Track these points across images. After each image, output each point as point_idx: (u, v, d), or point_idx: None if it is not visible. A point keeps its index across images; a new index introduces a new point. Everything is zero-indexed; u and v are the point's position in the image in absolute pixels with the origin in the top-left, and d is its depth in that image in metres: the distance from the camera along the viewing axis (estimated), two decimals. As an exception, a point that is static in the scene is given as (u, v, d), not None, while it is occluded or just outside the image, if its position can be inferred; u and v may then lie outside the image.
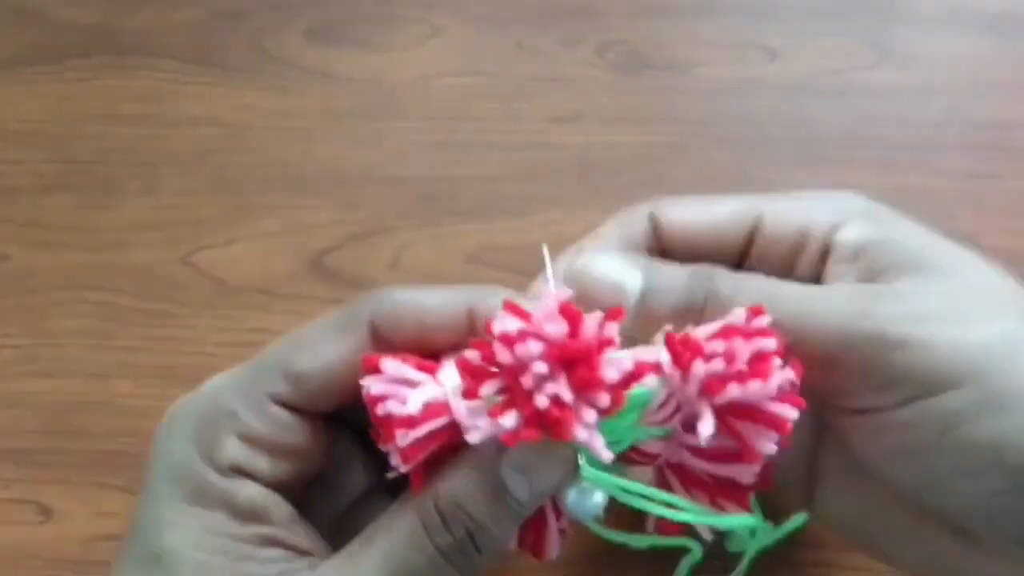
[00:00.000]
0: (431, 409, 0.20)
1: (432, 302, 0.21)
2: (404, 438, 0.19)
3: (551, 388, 0.18)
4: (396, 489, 0.22)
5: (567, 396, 0.18)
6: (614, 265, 0.22)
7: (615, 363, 0.19)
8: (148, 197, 0.40)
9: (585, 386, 0.18)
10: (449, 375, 0.20)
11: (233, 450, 0.21)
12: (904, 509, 0.22)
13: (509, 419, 0.18)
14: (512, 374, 0.19)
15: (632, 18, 0.42)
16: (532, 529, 0.22)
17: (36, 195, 0.40)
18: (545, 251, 0.22)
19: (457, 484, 0.20)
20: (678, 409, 0.20)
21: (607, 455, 0.19)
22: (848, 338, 0.20)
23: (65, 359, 0.37)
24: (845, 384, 0.21)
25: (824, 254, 0.23)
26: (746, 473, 0.21)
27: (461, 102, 0.41)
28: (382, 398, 0.20)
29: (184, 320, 0.37)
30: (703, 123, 0.40)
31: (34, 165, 0.41)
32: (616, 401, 0.19)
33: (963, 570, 0.22)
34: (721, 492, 0.21)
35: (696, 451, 0.21)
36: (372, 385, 0.20)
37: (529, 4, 0.42)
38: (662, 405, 0.20)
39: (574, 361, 0.18)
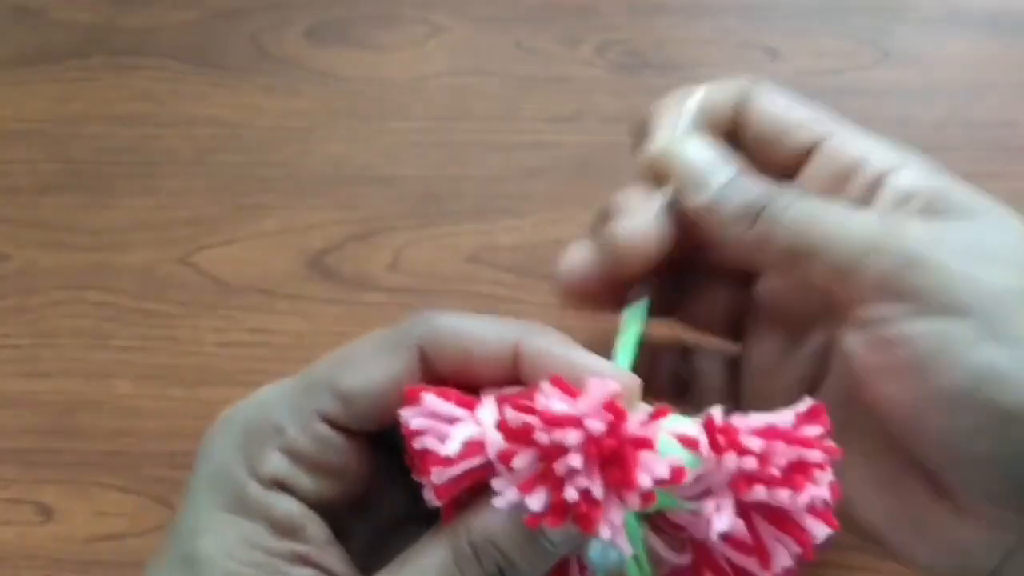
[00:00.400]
0: (468, 448, 0.20)
1: (480, 333, 0.21)
2: (440, 476, 0.19)
3: (583, 482, 0.18)
4: (432, 516, 0.22)
5: (598, 492, 0.18)
6: (706, 155, 0.24)
7: (652, 465, 0.18)
8: (147, 197, 0.40)
9: (618, 485, 0.18)
10: (488, 412, 0.20)
11: (276, 464, 0.21)
12: (887, 456, 0.23)
13: (536, 501, 0.18)
14: (548, 456, 0.18)
15: (632, 18, 0.42)
16: None
17: (35, 195, 0.40)
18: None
19: (492, 520, 0.20)
20: (708, 491, 0.20)
21: (629, 551, 0.19)
22: (874, 248, 0.21)
23: (64, 359, 0.37)
24: (861, 292, 0.22)
25: (874, 189, 0.24)
26: (763, 573, 0.21)
27: (461, 102, 0.41)
28: (420, 432, 0.20)
29: (183, 320, 0.37)
30: (703, 123, 0.40)
31: (33, 165, 0.41)
32: (647, 499, 0.18)
33: (932, 528, 0.22)
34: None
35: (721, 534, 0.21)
36: (412, 419, 0.20)
37: (529, 4, 0.42)
38: (693, 482, 0.20)
39: (610, 460, 0.18)
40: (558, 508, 0.18)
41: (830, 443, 0.20)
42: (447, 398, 0.20)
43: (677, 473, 0.18)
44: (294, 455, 0.21)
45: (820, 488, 0.19)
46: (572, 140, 0.40)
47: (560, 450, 0.18)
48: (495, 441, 0.19)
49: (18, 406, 0.36)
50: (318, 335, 0.37)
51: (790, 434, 0.19)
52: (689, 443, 0.19)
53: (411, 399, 0.20)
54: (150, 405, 0.36)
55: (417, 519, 0.24)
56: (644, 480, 0.18)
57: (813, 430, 0.20)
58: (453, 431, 0.20)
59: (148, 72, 0.42)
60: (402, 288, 0.38)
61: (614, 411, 0.18)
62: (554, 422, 0.18)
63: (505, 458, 0.19)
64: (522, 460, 0.19)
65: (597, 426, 0.18)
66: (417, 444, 0.20)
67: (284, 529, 0.21)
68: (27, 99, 0.42)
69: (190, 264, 0.38)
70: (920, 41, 0.41)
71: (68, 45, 0.42)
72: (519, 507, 0.19)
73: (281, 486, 0.21)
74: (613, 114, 0.40)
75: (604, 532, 0.18)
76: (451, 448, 0.19)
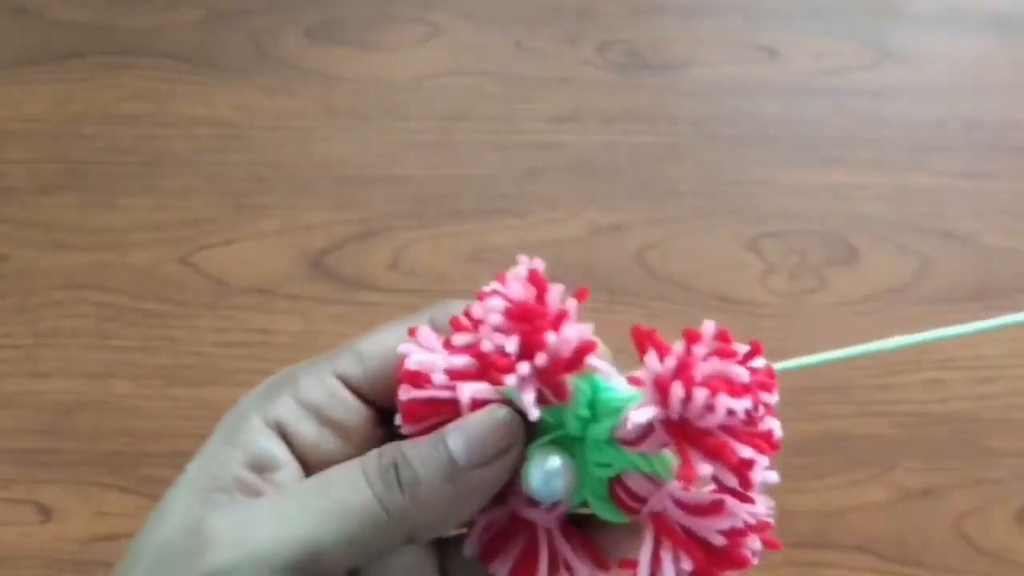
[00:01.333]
0: (450, 378, 0.21)
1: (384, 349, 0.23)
2: (407, 393, 0.21)
3: (499, 338, 0.20)
4: None
5: (510, 347, 0.20)
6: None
7: (567, 331, 0.20)
8: (147, 197, 0.40)
9: (529, 342, 0.20)
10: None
11: (285, 406, 0.22)
12: None
13: (461, 359, 0.21)
14: (476, 325, 0.21)
15: (632, 18, 0.42)
16: (524, 561, 0.22)
17: (35, 195, 0.40)
18: None
19: (403, 444, 0.22)
20: (652, 430, 0.20)
21: (535, 413, 0.20)
22: None
23: (64, 359, 0.37)
24: None
25: None
26: (715, 532, 0.21)
27: (461, 102, 0.41)
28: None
29: (183, 320, 0.37)
30: (702, 122, 0.40)
31: (34, 165, 0.41)
32: (556, 367, 0.20)
33: None
34: (699, 553, 0.21)
35: (679, 502, 0.21)
36: (411, 351, 0.22)
37: (529, 4, 0.42)
38: (640, 427, 0.20)
39: (526, 319, 0.20)
40: (478, 360, 0.20)
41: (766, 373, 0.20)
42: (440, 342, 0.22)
43: (586, 345, 0.19)
44: (303, 403, 0.22)
45: (744, 402, 0.19)
46: (572, 140, 0.40)
47: (487, 317, 0.20)
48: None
49: (18, 406, 0.36)
50: (318, 335, 0.37)
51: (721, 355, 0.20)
52: (633, 381, 0.20)
53: (410, 335, 0.22)
54: (150, 405, 0.36)
55: None
56: (552, 339, 0.19)
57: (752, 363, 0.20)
58: (435, 359, 0.21)
59: (148, 72, 0.42)
60: (402, 288, 0.38)
61: (536, 281, 0.20)
62: (486, 295, 0.20)
63: (447, 343, 0.21)
64: (460, 338, 0.21)
65: (516, 290, 0.20)
66: (408, 364, 0.21)
67: (258, 466, 0.22)
68: (27, 99, 0.41)
69: (190, 264, 0.38)
70: (920, 42, 0.41)
71: (68, 45, 0.42)
72: (449, 368, 0.21)
73: (282, 430, 0.22)
74: (613, 114, 0.40)
75: (509, 380, 0.19)
76: (437, 375, 0.21)
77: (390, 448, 0.21)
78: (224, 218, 0.39)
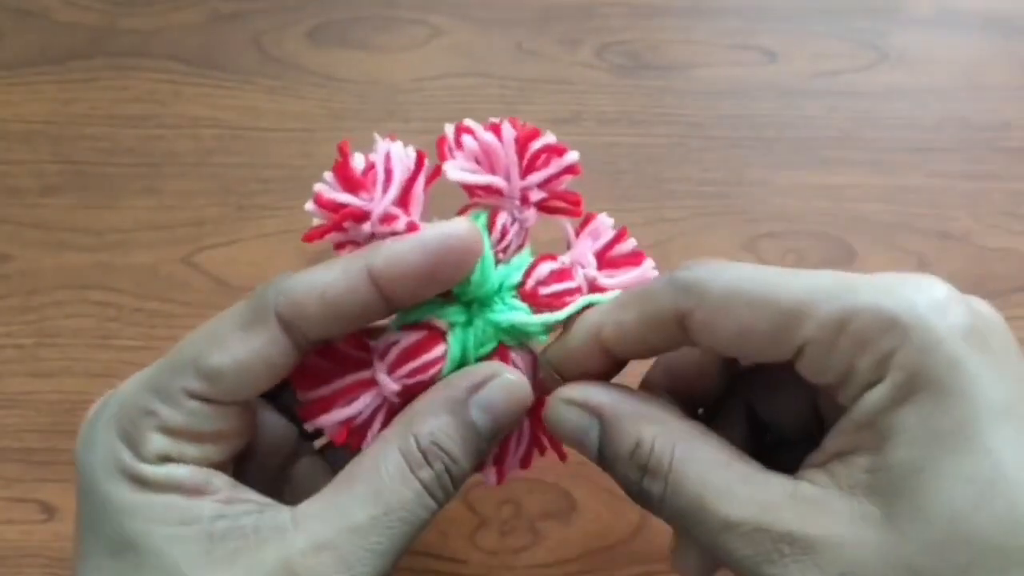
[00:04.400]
0: (354, 386, 0.23)
1: (328, 278, 0.22)
2: (330, 423, 0.23)
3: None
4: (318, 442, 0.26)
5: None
6: (570, 419, 0.23)
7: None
8: (149, 198, 0.40)
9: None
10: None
11: (157, 443, 0.22)
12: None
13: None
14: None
15: (631, 19, 0.42)
16: (505, 447, 0.25)
17: (38, 195, 0.40)
18: None
19: (434, 424, 0.22)
20: (513, 223, 0.24)
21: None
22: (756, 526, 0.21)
23: (67, 359, 0.37)
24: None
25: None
26: None
27: (461, 103, 0.41)
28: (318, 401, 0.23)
29: (185, 320, 0.37)
30: (702, 124, 0.40)
31: (36, 165, 0.41)
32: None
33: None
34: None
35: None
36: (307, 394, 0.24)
37: (529, 6, 0.43)
38: (503, 232, 0.24)
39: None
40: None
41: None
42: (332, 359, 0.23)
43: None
44: (171, 432, 0.22)
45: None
46: (572, 141, 0.39)
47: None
48: (384, 382, 0.23)
49: (20, 405, 0.37)
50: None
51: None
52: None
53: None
54: (152, 404, 0.36)
55: (308, 451, 0.27)
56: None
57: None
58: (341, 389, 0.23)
59: (150, 74, 0.42)
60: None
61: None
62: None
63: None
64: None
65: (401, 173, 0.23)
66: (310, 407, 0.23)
67: (193, 490, 0.22)
68: (30, 100, 0.42)
69: (192, 264, 0.38)
70: (917, 43, 0.41)
71: (71, 46, 0.43)
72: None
73: (169, 460, 0.22)
74: (612, 115, 0.40)
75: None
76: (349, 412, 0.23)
77: (432, 448, 0.22)
78: (227, 218, 0.39)
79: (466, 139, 0.23)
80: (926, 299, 0.19)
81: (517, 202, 0.24)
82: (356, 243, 0.23)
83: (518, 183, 0.24)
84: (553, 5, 0.42)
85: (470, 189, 0.24)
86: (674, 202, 0.39)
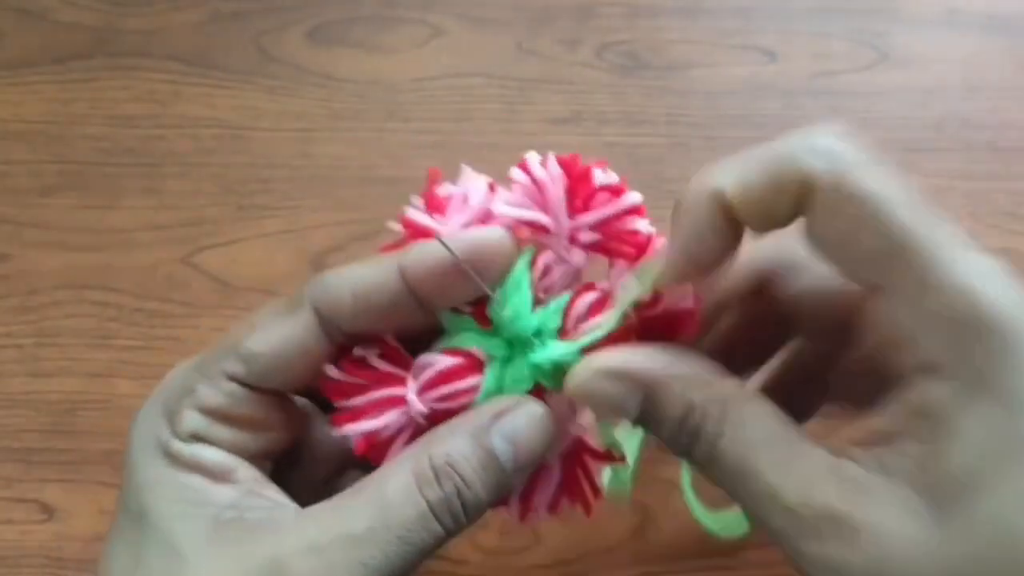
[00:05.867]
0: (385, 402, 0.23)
1: (362, 272, 0.23)
2: (355, 430, 0.23)
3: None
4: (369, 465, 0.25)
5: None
6: (607, 391, 0.22)
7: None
8: (149, 198, 0.40)
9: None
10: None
11: (192, 420, 0.22)
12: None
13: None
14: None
15: (631, 19, 0.42)
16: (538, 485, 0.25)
17: (38, 195, 0.40)
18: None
19: (452, 446, 0.21)
20: (560, 263, 0.23)
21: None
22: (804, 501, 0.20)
23: (66, 359, 0.37)
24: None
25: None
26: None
27: (461, 103, 0.41)
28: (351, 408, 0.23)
29: (185, 320, 0.37)
30: (702, 124, 0.40)
31: (36, 165, 0.41)
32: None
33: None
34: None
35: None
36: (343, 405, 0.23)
37: (529, 6, 0.43)
38: (547, 272, 0.23)
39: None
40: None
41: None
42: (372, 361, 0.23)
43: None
44: (207, 411, 0.23)
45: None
46: (572, 141, 0.40)
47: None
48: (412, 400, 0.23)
49: (20, 405, 0.37)
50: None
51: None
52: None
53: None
54: (152, 404, 0.36)
55: (355, 469, 0.26)
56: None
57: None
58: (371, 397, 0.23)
59: (151, 74, 0.42)
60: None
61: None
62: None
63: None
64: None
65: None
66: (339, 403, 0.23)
67: (217, 474, 0.22)
68: (30, 100, 0.42)
69: (192, 264, 0.38)
70: (917, 43, 0.41)
71: (71, 46, 0.43)
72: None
73: (200, 439, 0.23)
74: (612, 115, 0.40)
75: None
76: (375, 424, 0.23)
77: (444, 468, 0.21)
78: (226, 218, 0.39)
79: (517, 173, 0.23)
80: (1013, 298, 0.18)
81: (565, 242, 0.23)
82: None
83: (566, 223, 0.23)
84: (553, 5, 0.42)
85: (516, 226, 0.23)
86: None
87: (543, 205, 0.23)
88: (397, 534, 0.21)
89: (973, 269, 0.19)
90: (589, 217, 0.23)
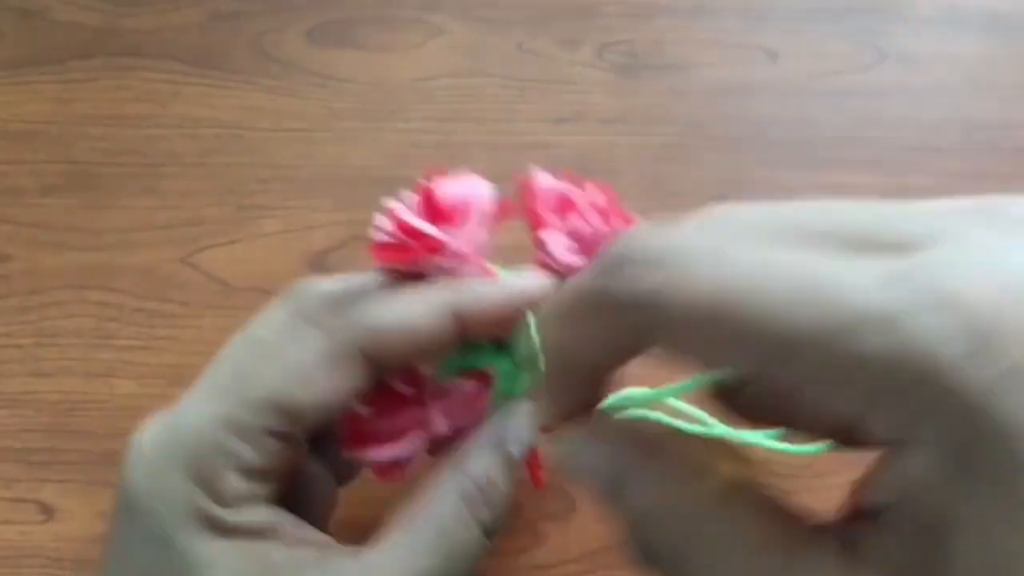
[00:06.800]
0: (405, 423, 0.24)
1: (414, 311, 0.22)
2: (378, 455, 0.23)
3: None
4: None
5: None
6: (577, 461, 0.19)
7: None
8: (149, 198, 0.40)
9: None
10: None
11: (235, 485, 0.21)
12: None
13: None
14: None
15: (632, 19, 0.42)
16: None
17: (38, 195, 0.40)
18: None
19: (486, 463, 0.22)
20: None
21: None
22: None
23: (66, 359, 0.37)
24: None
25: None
26: None
27: (461, 103, 0.41)
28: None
29: (186, 320, 0.37)
30: (702, 124, 0.40)
31: (36, 165, 0.41)
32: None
33: None
34: None
35: None
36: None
37: (529, 5, 0.42)
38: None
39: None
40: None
41: None
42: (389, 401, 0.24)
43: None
44: (249, 472, 0.21)
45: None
46: (572, 141, 0.40)
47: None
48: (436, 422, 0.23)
49: (20, 405, 0.37)
50: (319, 335, 0.37)
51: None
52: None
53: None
54: (152, 405, 0.35)
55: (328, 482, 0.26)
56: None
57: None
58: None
59: (150, 73, 0.42)
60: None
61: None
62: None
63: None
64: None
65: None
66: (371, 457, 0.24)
67: (265, 533, 0.21)
68: (30, 100, 0.42)
69: (192, 264, 0.38)
70: (919, 42, 0.41)
71: (71, 46, 0.42)
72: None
73: (245, 501, 0.21)
74: (612, 115, 0.40)
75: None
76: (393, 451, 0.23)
77: (489, 488, 0.22)
78: (226, 218, 0.39)
79: (573, 220, 0.25)
80: (960, 333, 0.13)
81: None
82: (414, 262, 0.24)
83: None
84: (553, 5, 0.42)
85: (565, 266, 0.24)
86: (674, 202, 0.39)
87: (588, 250, 0.24)
88: (463, 561, 0.21)
89: (900, 301, 0.13)
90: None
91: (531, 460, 0.27)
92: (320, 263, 0.38)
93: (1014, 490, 0.13)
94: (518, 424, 0.23)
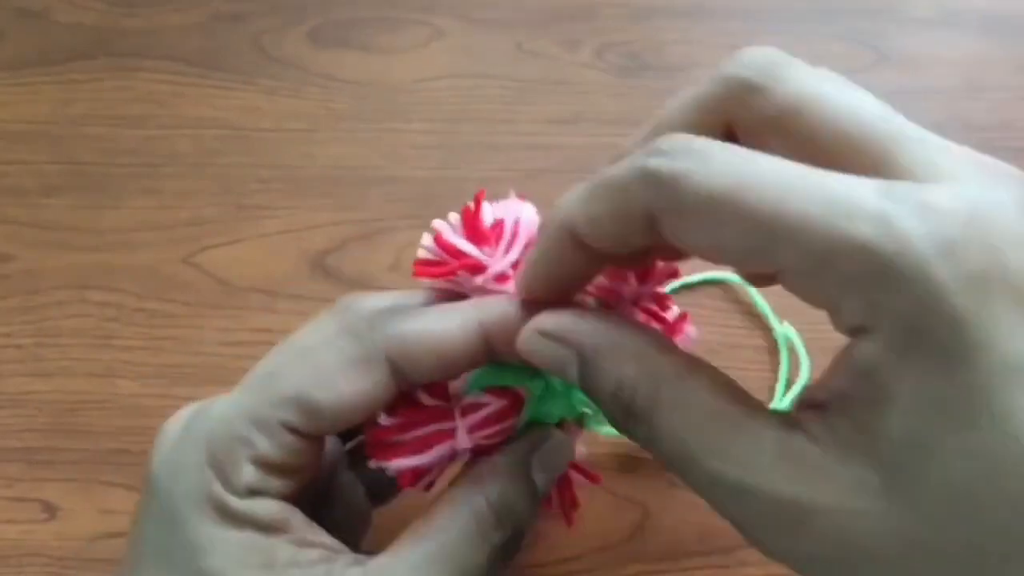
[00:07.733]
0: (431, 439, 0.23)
1: (443, 329, 0.22)
2: (403, 464, 0.23)
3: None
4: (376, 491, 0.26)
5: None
6: (547, 353, 0.21)
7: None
8: (150, 198, 0.40)
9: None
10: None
11: (249, 474, 0.21)
12: None
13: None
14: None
15: (631, 20, 0.42)
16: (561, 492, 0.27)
17: (39, 196, 0.40)
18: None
19: (504, 486, 0.22)
20: None
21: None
22: None
23: (68, 358, 0.37)
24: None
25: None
26: None
27: (461, 104, 0.41)
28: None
29: (186, 320, 0.38)
30: (702, 124, 0.40)
31: (37, 166, 0.41)
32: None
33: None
34: None
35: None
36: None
37: (529, 7, 0.43)
38: None
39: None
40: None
41: None
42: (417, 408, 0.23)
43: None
44: (264, 464, 0.22)
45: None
46: (572, 142, 0.40)
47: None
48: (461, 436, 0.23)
49: (21, 405, 0.37)
50: (320, 335, 0.37)
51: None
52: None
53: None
54: (154, 404, 0.36)
55: (355, 489, 0.27)
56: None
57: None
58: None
59: (151, 74, 0.42)
60: (403, 288, 0.38)
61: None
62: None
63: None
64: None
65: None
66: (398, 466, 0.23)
67: (272, 527, 0.21)
68: (31, 100, 0.42)
69: (193, 264, 0.39)
70: (917, 44, 0.41)
71: (72, 47, 0.43)
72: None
73: (255, 492, 0.21)
74: (612, 116, 0.40)
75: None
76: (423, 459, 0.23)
77: (505, 511, 0.22)
78: (227, 219, 0.39)
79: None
80: (932, 237, 0.16)
81: (630, 306, 0.25)
82: (449, 279, 0.24)
83: (635, 287, 0.24)
84: (553, 5, 0.43)
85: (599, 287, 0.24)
86: (674, 202, 0.39)
87: (620, 275, 0.24)
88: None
89: (888, 211, 0.16)
90: (650, 287, 0.25)
91: (564, 496, 0.27)
92: (320, 263, 0.38)
93: (958, 368, 0.16)
94: (547, 454, 0.23)
